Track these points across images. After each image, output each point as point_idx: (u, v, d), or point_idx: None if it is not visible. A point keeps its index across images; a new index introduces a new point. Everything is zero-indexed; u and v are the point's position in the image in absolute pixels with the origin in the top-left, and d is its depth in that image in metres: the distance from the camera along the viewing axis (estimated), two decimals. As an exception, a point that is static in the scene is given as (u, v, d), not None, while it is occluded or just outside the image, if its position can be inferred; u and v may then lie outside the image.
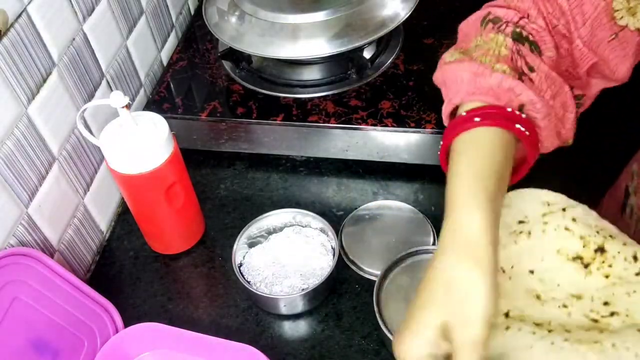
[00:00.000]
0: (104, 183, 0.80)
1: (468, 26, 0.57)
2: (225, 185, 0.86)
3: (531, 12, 0.53)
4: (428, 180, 0.83)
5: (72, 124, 0.73)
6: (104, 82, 0.80)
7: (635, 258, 0.52)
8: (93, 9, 0.76)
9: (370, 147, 0.82)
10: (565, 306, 0.50)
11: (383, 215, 0.78)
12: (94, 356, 0.65)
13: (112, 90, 0.81)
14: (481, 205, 0.46)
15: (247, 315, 0.72)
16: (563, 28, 0.53)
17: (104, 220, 0.81)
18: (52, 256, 0.70)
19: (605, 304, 0.50)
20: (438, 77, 0.56)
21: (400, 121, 0.80)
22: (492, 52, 0.51)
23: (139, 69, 0.89)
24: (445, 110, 0.55)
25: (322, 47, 0.80)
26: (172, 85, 0.90)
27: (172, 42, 0.99)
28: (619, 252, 0.52)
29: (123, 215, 0.84)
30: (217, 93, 0.88)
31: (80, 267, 0.76)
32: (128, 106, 0.64)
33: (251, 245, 0.75)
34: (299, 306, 0.70)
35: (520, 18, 0.53)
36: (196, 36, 0.98)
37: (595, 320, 0.49)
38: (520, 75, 0.50)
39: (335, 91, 0.85)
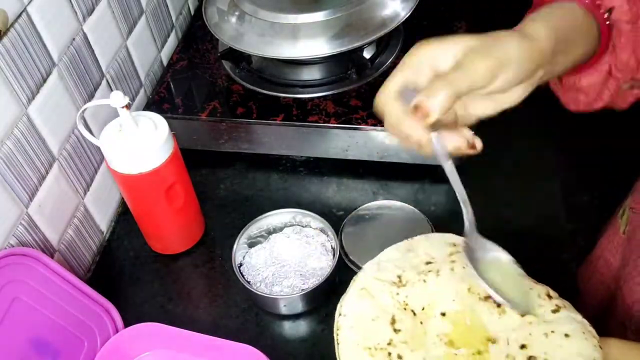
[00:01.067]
0: (104, 183, 0.80)
1: None
2: (225, 185, 0.86)
3: None
4: (428, 180, 0.83)
5: (72, 124, 0.73)
6: (104, 82, 0.80)
7: (549, 296, 0.50)
8: (93, 9, 0.76)
9: (370, 147, 0.82)
10: (479, 353, 0.47)
11: (383, 215, 0.78)
12: (94, 356, 0.65)
13: (112, 90, 0.81)
14: (546, 29, 0.48)
15: (247, 315, 0.72)
16: None
17: (104, 220, 0.82)
18: (52, 256, 0.70)
19: (522, 347, 0.47)
20: None
21: (400, 121, 0.80)
22: None
23: (139, 69, 0.89)
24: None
25: (322, 47, 0.80)
26: (172, 85, 0.90)
27: (172, 42, 0.99)
28: (531, 289, 0.50)
29: (123, 215, 0.84)
30: (217, 93, 0.88)
31: (80, 267, 0.76)
32: (128, 106, 0.64)
33: (251, 245, 0.75)
34: (299, 306, 0.70)
35: None
36: (196, 36, 0.98)
37: None
38: None
39: (335, 91, 0.85)
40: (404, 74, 0.46)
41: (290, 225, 0.76)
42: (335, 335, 0.50)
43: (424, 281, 0.51)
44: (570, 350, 0.46)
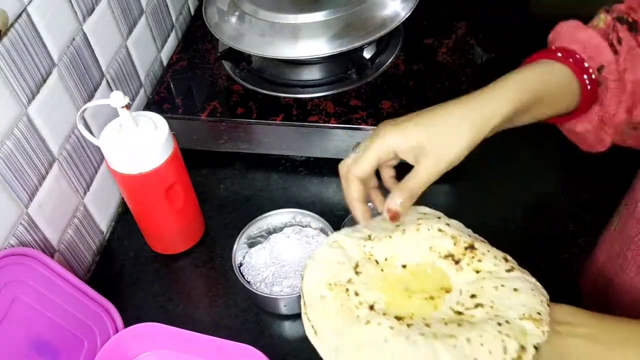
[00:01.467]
0: (104, 183, 0.80)
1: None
2: (225, 185, 0.86)
3: (634, 5, 0.59)
4: (428, 180, 0.83)
5: (72, 124, 0.73)
6: (104, 82, 0.80)
7: (505, 259, 0.53)
8: (93, 9, 0.76)
9: (370, 147, 0.82)
10: (432, 298, 0.50)
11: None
12: (94, 356, 0.65)
13: (112, 90, 0.81)
14: (509, 100, 0.54)
15: (247, 315, 0.72)
16: None
17: (104, 220, 0.82)
18: (52, 256, 0.70)
19: (473, 296, 0.50)
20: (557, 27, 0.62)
21: (400, 121, 0.80)
22: (592, 24, 0.59)
23: (139, 69, 0.89)
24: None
25: (322, 47, 0.80)
26: (172, 85, 0.90)
27: (172, 42, 0.99)
28: (488, 251, 0.54)
29: (123, 215, 0.84)
30: (217, 93, 0.88)
31: (80, 267, 0.76)
32: (128, 106, 0.64)
33: (251, 245, 0.75)
34: (299, 306, 0.70)
35: (630, 9, 0.59)
36: (196, 36, 0.98)
37: (460, 313, 0.49)
38: (609, 44, 0.56)
39: (335, 91, 0.85)
40: (376, 157, 0.55)
41: (290, 225, 0.76)
42: (302, 274, 0.54)
43: (390, 237, 0.55)
44: (516, 301, 0.49)
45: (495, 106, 0.53)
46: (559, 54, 0.56)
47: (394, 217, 0.55)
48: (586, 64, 0.56)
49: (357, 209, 0.57)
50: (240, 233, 0.74)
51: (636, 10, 0.59)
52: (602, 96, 0.57)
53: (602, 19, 0.59)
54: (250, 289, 0.69)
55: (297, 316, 0.71)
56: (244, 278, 0.71)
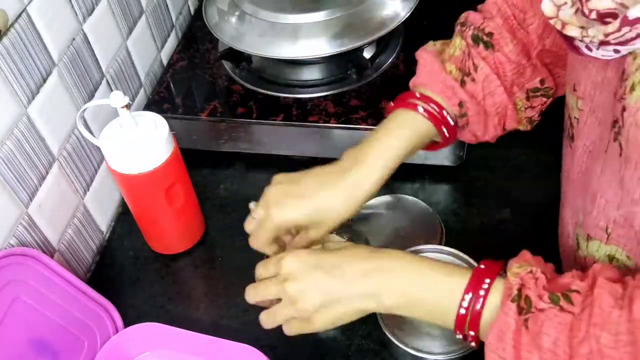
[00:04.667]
0: (104, 183, 0.80)
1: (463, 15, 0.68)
2: (225, 185, 0.86)
3: (492, 12, 0.63)
4: (428, 180, 0.83)
5: (72, 124, 0.73)
6: (104, 82, 0.80)
7: None
8: (93, 9, 0.76)
9: (370, 147, 0.82)
10: None
11: (387, 212, 0.77)
12: (94, 356, 0.65)
13: (112, 90, 0.81)
14: (375, 177, 0.61)
15: (247, 315, 0.72)
16: (517, 19, 0.63)
17: (104, 220, 0.82)
18: (52, 256, 0.70)
19: None
20: (418, 55, 0.67)
21: (400, 121, 0.80)
22: (450, 53, 0.64)
23: (139, 69, 0.89)
24: (411, 83, 0.67)
25: (322, 47, 0.80)
26: (172, 85, 0.90)
27: (172, 42, 0.99)
28: None
29: (123, 215, 0.84)
30: (217, 93, 0.88)
31: (80, 267, 0.76)
32: (128, 106, 0.64)
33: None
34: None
35: (483, 19, 0.63)
36: (196, 36, 0.98)
37: None
38: (464, 76, 0.62)
39: (335, 91, 0.85)
40: (271, 235, 0.62)
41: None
42: None
43: None
44: None
45: (365, 183, 0.60)
46: (420, 108, 0.62)
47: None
48: (444, 112, 0.62)
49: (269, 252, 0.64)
50: None
51: (493, 16, 0.63)
52: (469, 124, 0.63)
53: (458, 45, 0.63)
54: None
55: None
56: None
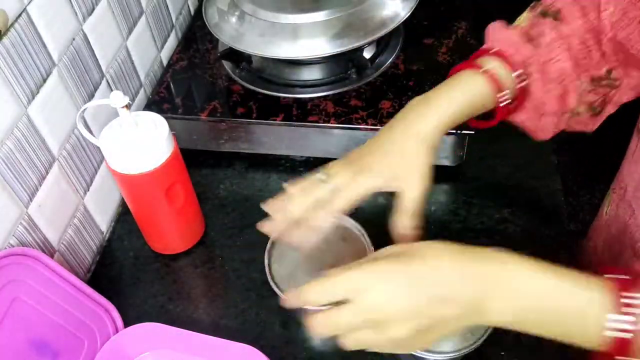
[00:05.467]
0: (104, 183, 0.80)
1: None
2: (225, 185, 0.86)
3: None
4: (428, 180, 0.83)
5: (72, 124, 0.73)
6: (104, 82, 0.80)
7: None
8: (93, 9, 0.76)
9: (370, 147, 0.82)
10: None
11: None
12: (94, 356, 0.65)
13: (112, 90, 0.81)
14: (438, 124, 0.60)
15: (247, 315, 0.72)
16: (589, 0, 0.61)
17: (104, 220, 0.82)
18: (52, 256, 0.70)
19: None
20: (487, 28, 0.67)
21: (400, 121, 0.80)
22: (516, 24, 0.64)
23: (139, 69, 0.89)
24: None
25: (322, 47, 0.80)
26: (172, 85, 0.90)
27: (172, 42, 0.99)
28: None
29: (123, 215, 0.84)
30: (217, 93, 0.88)
31: (80, 267, 0.76)
32: (128, 106, 0.64)
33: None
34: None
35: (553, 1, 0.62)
36: (196, 36, 0.98)
37: None
38: (530, 40, 0.61)
39: (335, 91, 0.85)
40: (353, 200, 0.60)
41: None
42: None
43: None
44: None
45: (433, 127, 0.59)
46: (482, 69, 0.61)
47: (404, 239, 0.59)
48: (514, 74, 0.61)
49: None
50: None
51: None
52: (529, 87, 0.62)
53: (525, 17, 0.64)
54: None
55: (297, 316, 0.71)
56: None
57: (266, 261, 0.65)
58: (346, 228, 0.68)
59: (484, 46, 0.65)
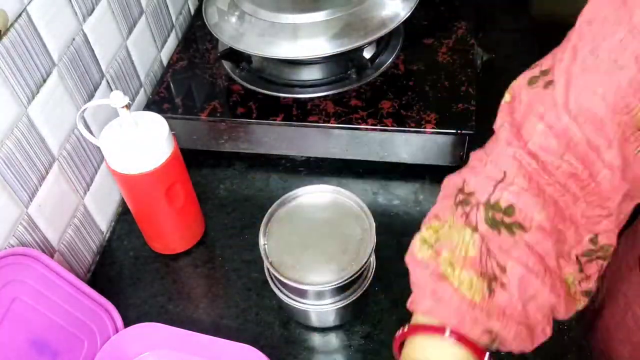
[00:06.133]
0: (104, 183, 0.80)
1: (446, 189, 0.50)
2: (225, 185, 0.86)
3: (508, 171, 0.46)
4: (428, 180, 0.83)
5: (72, 124, 0.73)
6: (104, 82, 0.80)
7: None
8: (93, 9, 0.76)
9: (370, 147, 0.82)
10: None
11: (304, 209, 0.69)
12: (94, 356, 0.65)
13: (112, 90, 0.81)
14: None
15: (247, 315, 0.72)
16: (574, 165, 0.45)
17: (104, 220, 0.82)
18: (52, 256, 0.70)
19: None
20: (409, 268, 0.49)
21: (400, 121, 0.80)
22: (458, 252, 0.45)
23: (139, 69, 0.89)
24: (411, 306, 0.49)
25: (322, 47, 0.80)
26: (172, 85, 0.90)
27: (172, 42, 0.99)
28: None
29: (123, 215, 0.84)
30: (217, 93, 0.88)
31: (80, 267, 0.76)
32: (128, 106, 0.64)
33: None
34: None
35: (495, 186, 0.46)
36: (196, 36, 0.98)
37: None
38: (490, 282, 0.44)
39: (335, 91, 0.85)
40: None
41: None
42: None
43: None
44: None
45: None
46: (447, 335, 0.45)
47: None
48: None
49: None
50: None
51: (512, 178, 0.46)
52: (507, 344, 0.47)
53: (468, 240, 0.46)
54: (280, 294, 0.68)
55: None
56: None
57: (261, 240, 0.66)
58: (346, 203, 0.68)
59: (416, 310, 0.48)
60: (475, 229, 0.45)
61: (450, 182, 0.50)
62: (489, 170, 0.47)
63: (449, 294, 0.44)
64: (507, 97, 0.49)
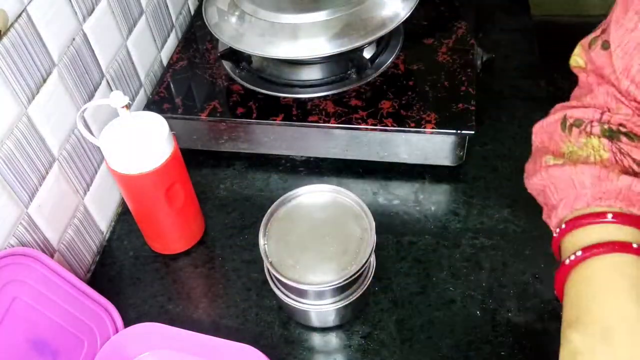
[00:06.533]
0: (104, 183, 0.80)
1: (544, 131, 0.51)
2: (225, 185, 0.86)
3: (610, 105, 0.47)
4: (428, 180, 0.83)
5: (72, 124, 0.73)
6: (104, 82, 0.80)
7: None
8: (93, 9, 0.76)
9: (370, 147, 0.83)
10: None
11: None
12: (94, 356, 0.65)
13: (112, 90, 0.81)
14: None
15: (247, 315, 0.72)
16: None
17: (104, 220, 0.82)
18: (52, 256, 0.70)
19: None
20: (536, 183, 0.50)
21: (400, 121, 0.80)
22: (594, 158, 0.46)
23: (139, 69, 0.89)
24: (560, 214, 0.48)
25: (322, 47, 0.80)
26: (172, 85, 0.90)
27: (172, 42, 0.99)
28: None
29: (123, 215, 0.84)
30: (217, 93, 0.88)
31: (80, 267, 0.76)
32: (128, 106, 0.64)
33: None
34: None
35: (602, 113, 0.48)
36: (196, 36, 0.98)
37: None
38: (623, 171, 0.45)
39: (335, 91, 0.85)
40: None
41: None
42: None
43: None
44: None
45: None
46: (609, 215, 0.44)
47: None
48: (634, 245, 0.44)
49: None
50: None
51: (614, 109, 0.48)
52: None
53: (597, 146, 0.47)
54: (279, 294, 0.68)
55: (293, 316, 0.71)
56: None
57: (261, 240, 0.66)
58: (346, 203, 0.68)
59: (589, 210, 0.46)
60: (598, 136, 0.46)
61: (545, 123, 0.50)
62: (591, 104, 0.48)
63: (614, 175, 0.44)
64: (579, 60, 0.50)
